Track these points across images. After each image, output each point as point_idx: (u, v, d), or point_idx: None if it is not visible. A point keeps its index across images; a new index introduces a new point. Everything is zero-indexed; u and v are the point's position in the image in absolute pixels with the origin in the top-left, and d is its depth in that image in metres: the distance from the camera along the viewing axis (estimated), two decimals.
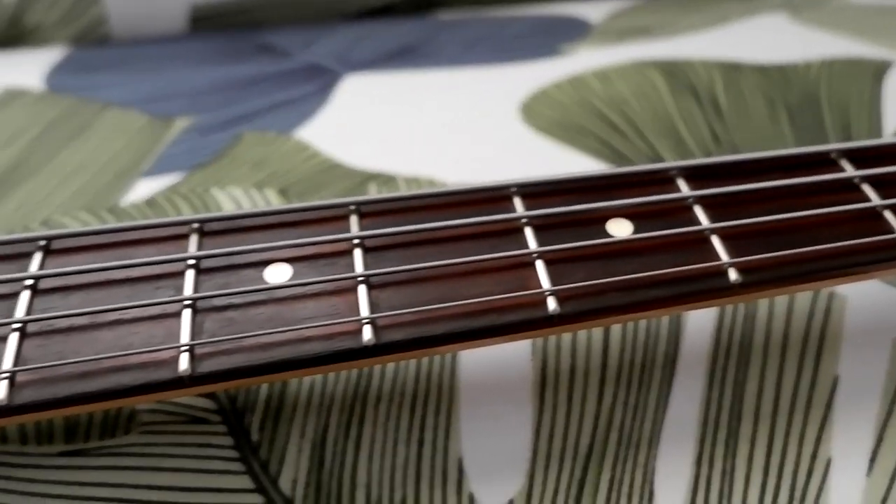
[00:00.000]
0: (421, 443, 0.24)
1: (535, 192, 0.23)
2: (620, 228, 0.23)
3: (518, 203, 0.23)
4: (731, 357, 0.26)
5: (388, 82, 0.40)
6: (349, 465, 0.24)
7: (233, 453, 0.24)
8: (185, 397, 0.24)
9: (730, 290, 0.21)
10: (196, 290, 0.21)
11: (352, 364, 0.20)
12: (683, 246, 0.22)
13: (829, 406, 0.25)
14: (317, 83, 0.40)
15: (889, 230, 0.23)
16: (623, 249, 0.22)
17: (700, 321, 0.27)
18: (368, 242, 0.22)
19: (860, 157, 0.25)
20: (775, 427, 0.25)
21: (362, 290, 0.21)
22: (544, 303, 0.21)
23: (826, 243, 0.22)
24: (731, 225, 0.22)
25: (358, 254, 0.21)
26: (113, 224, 0.22)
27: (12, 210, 0.32)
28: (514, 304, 0.20)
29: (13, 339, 0.20)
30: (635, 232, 0.22)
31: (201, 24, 0.48)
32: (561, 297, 0.21)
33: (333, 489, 0.23)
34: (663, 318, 0.27)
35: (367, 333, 0.20)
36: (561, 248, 0.21)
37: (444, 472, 0.24)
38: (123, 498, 0.23)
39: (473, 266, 0.21)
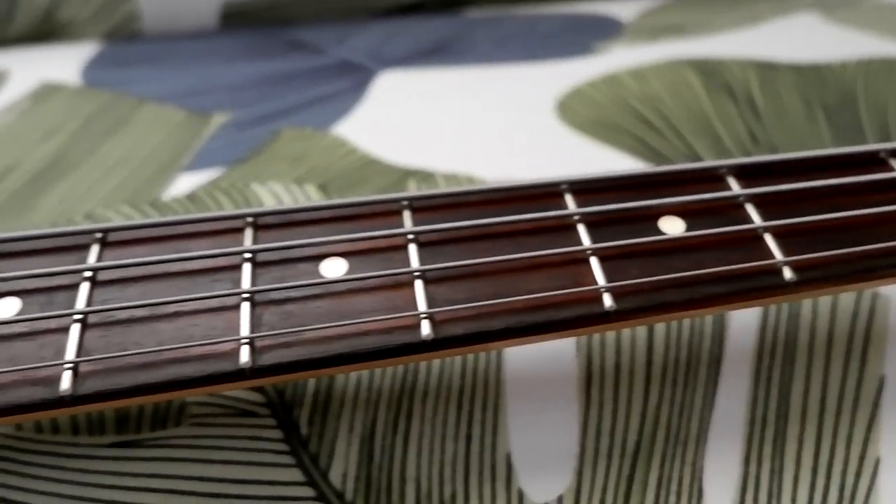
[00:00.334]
0: (469, 438, 0.24)
1: (586, 188, 0.23)
2: (673, 226, 0.23)
3: (569, 200, 0.23)
4: (776, 356, 0.26)
5: (423, 79, 0.40)
6: (398, 460, 0.24)
7: (283, 446, 0.24)
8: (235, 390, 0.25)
9: (784, 289, 0.21)
10: (253, 283, 0.21)
11: (410, 358, 0.20)
12: (736, 244, 0.22)
13: (876, 406, 0.25)
14: (351, 80, 0.40)
15: None
16: (677, 246, 0.22)
17: (744, 320, 0.27)
18: (423, 237, 0.22)
19: None
20: (822, 427, 0.25)
21: (419, 284, 0.21)
22: (600, 299, 0.21)
23: (877, 242, 0.22)
24: (784, 223, 0.22)
25: (413, 249, 0.22)
26: (168, 217, 0.22)
27: (55, 203, 0.32)
28: (571, 300, 0.21)
29: (75, 329, 0.20)
30: (688, 229, 0.22)
31: (231, 20, 0.48)
32: (617, 294, 0.21)
33: (383, 483, 0.23)
34: (707, 317, 0.27)
35: (426, 328, 0.20)
36: (615, 244, 0.21)
37: (492, 467, 0.24)
38: (175, 489, 0.23)
39: (528, 262, 0.21)
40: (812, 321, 0.27)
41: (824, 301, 0.28)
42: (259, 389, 0.25)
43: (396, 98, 0.38)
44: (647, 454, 0.24)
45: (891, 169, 0.25)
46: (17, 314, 0.20)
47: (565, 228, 0.22)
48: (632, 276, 0.21)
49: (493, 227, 0.22)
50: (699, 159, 0.34)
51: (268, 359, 0.19)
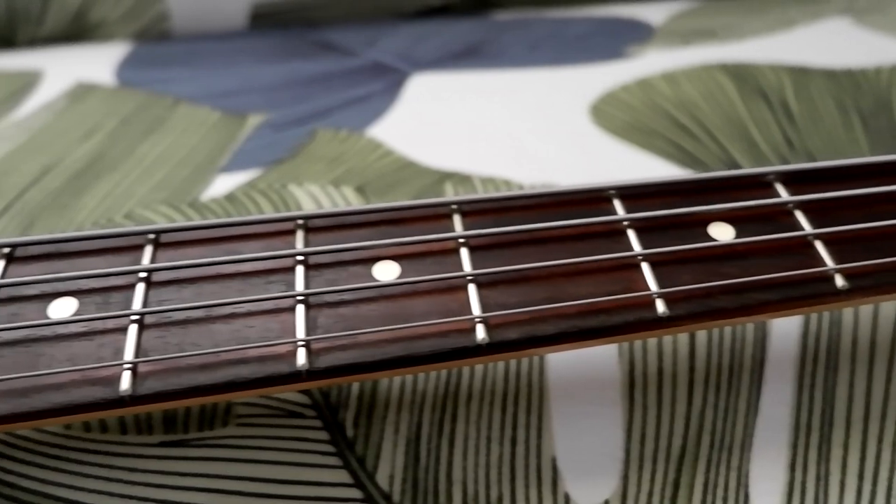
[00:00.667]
0: (514, 441, 0.24)
1: (634, 194, 0.23)
2: (722, 232, 0.23)
3: (618, 205, 0.23)
4: (818, 362, 0.26)
5: (455, 82, 0.40)
6: (444, 462, 0.24)
7: (329, 448, 0.24)
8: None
9: (836, 296, 0.21)
10: (307, 285, 0.21)
11: (464, 362, 0.20)
12: (787, 250, 0.22)
13: None
14: (384, 81, 0.40)
15: None
16: (727, 253, 0.22)
17: (786, 326, 0.27)
18: (474, 241, 0.22)
19: None
20: (868, 433, 0.25)
21: (472, 288, 0.21)
22: (653, 305, 0.21)
23: None
24: (834, 231, 0.22)
25: (465, 252, 0.22)
26: (220, 219, 0.22)
27: (96, 203, 0.33)
28: (624, 304, 0.21)
29: (133, 329, 0.20)
30: (737, 236, 0.23)
31: (260, 21, 0.48)
32: (669, 300, 0.21)
33: (430, 485, 0.23)
34: (749, 323, 0.27)
35: (481, 332, 0.20)
36: (667, 250, 0.22)
37: (538, 470, 0.24)
38: (223, 489, 0.23)
39: (580, 267, 0.21)
40: (854, 327, 0.27)
41: (866, 307, 0.28)
42: (305, 391, 0.25)
43: (430, 100, 0.39)
44: (693, 459, 0.24)
45: None
46: (75, 314, 0.21)
47: (615, 234, 0.22)
48: (683, 282, 0.21)
49: (543, 232, 0.22)
50: (736, 165, 0.34)
51: (324, 361, 0.20)
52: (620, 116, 0.36)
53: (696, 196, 0.24)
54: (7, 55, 0.44)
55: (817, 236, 0.22)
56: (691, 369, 0.26)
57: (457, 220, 0.23)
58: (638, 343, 0.26)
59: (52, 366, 0.19)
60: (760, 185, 0.24)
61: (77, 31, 0.48)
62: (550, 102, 0.38)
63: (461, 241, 0.22)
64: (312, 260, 0.22)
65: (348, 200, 0.32)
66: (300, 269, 0.21)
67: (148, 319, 0.20)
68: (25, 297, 0.21)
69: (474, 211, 0.23)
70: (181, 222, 0.22)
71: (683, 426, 0.25)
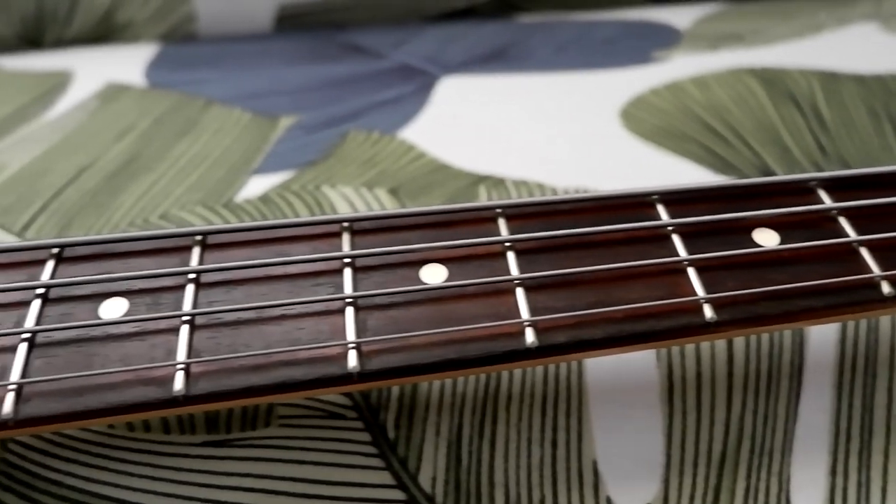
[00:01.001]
0: (554, 444, 0.24)
1: (677, 199, 0.23)
2: (767, 238, 0.23)
3: (661, 210, 0.23)
4: (857, 369, 0.26)
5: (484, 85, 0.40)
6: (486, 464, 0.24)
7: (371, 449, 0.24)
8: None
9: (883, 303, 0.21)
10: (355, 287, 0.21)
11: (513, 365, 0.20)
12: (832, 257, 0.22)
13: None
14: (414, 84, 0.40)
15: None
16: (773, 259, 0.22)
17: (823, 332, 0.27)
18: (519, 245, 0.22)
19: None
20: None
21: (520, 292, 0.21)
22: (700, 310, 0.21)
23: None
24: (880, 237, 0.22)
25: (511, 256, 0.22)
26: (267, 220, 0.22)
27: (132, 203, 0.33)
28: (671, 310, 0.21)
29: (184, 330, 0.20)
30: (782, 242, 0.23)
31: (285, 23, 0.49)
32: (716, 305, 0.21)
33: (472, 487, 0.24)
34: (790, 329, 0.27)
35: (530, 336, 0.20)
36: (713, 255, 0.22)
37: (579, 474, 0.24)
38: (268, 489, 0.23)
39: (626, 271, 0.21)
40: (892, 333, 0.27)
41: None
42: (346, 392, 0.25)
43: (460, 103, 0.39)
44: (733, 464, 0.24)
45: None
46: (126, 314, 0.21)
47: (659, 239, 0.22)
48: (729, 288, 0.21)
49: (589, 237, 0.22)
50: (769, 170, 0.34)
51: (375, 363, 0.20)
52: (651, 120, 0.36)
53: (739, 202, 0.24)
54: (36, 56, 0.45)
55: (862, 243, 0.22)
56: (730, 374, 0.26)
57: (502, 223, 0.23)
58: (676, 347, 0.26)
59: (106, 365, 0.19)
60: (803, 191, 0.24)
61: (104, 32, 0.48)
62: (580, 106, 0.38)
63: (507, 244, 0.22)
64: (360, 262, 0.22)
65: (382, 202, 0.32)
66: (348, 272, 0.21)
67: (199, 320, 0.20)
68: (76, 297, 0.21)
69: (519, 215, 0.23)
70: (228, 224, 0.22)
71: (723, 431, 0.25)
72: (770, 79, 0.38)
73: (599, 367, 0.26)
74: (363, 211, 0.32)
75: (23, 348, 0.20)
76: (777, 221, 0.23)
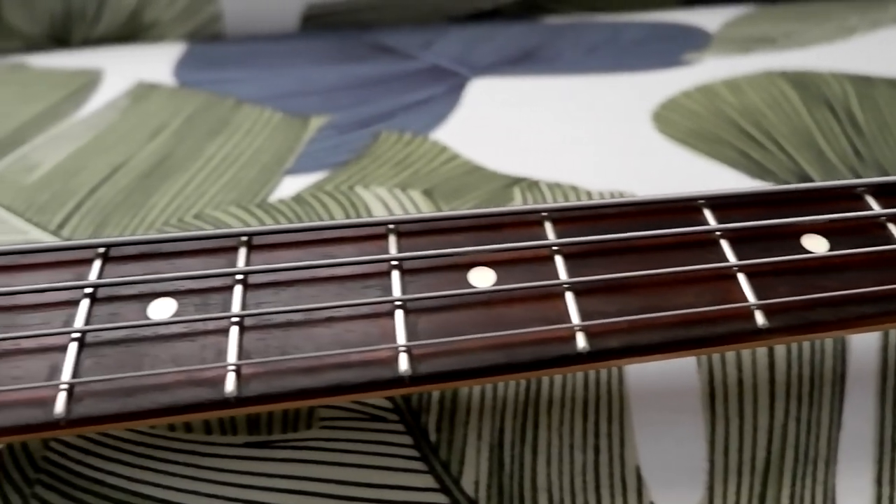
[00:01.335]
0: (597, 449, 0.24)
1: (725, 203, 0.23)
2: (816, 244, 0.22)
3: (708, 215, 0.23)
4: None
5: (515, 87, 0.40)
6: (528, 469, 0.24)
7: (413, 452, 0.24)
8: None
9: None
10: (404, 290, 0.21)
11: (564, 370, 0.20)
12: (883, 263, 0.22)
13: None
14: (444, 85, 0.40)
15: None
16: (823, 265, 0.22)
17: (865, 339, 0.27)
18: (567, 249, 0.22)
19: None
20: None
21: (570, 296, 0.21)
22: (752, 316, 0.21)
23: None
24: None
25: (559, 260, 0.22)
26: (313, 222, 0.22)
27: (166, 202, 0.33)
28: (723, 315, 0.20)
29: (234, 331, 0.20)
30: (831, 248, 0.22)
31: (311, 22, 0.49)
32: (768, 311, 0.21)
33: (516, 492, 0.23)
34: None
35: (582, 340, 0.20)
36: (764, 261, 0.21)
37: (622, 479, 0.24)
38: (310, 491, 0.23)
39: (675, 276, 0.21)
40: None
41: None
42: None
43: (492, 105, 0.38)
44: (778, 472, 0.24)
45: None
46: (174, 315, 0.21)
47: (708, 244, 0.22)
48: (780, 294, 0.21)
49: (637, 241, 0.22)
50: (806, 175, 0.34)
51: (426, 367, 0.20)
52: (684, 123, 0.36)
53: (786, 207, 0.23)
54: (65, 54, 0.45)
55: None
56: (771, 381, 0.26)
57: (548, 227, 0.23)
58: (716, 353, 0.26)
59: (156, 366, 0.19)
60: (851, 197, 0.24)
61: (130, 32, 0.48)
62: (612, 108, 0.38)
63: (555, 248, 0.22)
64: (407, 265, 0.22)
65: (417, 204, 0.32)
66: (396, 274, 0.21)
67: (248, 321, 0.20)
68: (124, 297, 0.21)
69: (565, 218, 0.23)
70: (273, 225, 0.22)
71: (767, 439, 0.25)
72: (803, 82, 0.38)
73: (640, 372, 0.26)
74: (398, 212, 0.32)
75: (73, 348, 0.20)
76: (826, 227, 0.23)
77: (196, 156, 0.35)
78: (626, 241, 0.22)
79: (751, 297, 0.21)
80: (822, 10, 0.47)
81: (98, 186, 0.34)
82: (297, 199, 0.33)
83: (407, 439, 0.24)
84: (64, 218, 0.32)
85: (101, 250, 0.22)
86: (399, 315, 0.20)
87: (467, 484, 0.23)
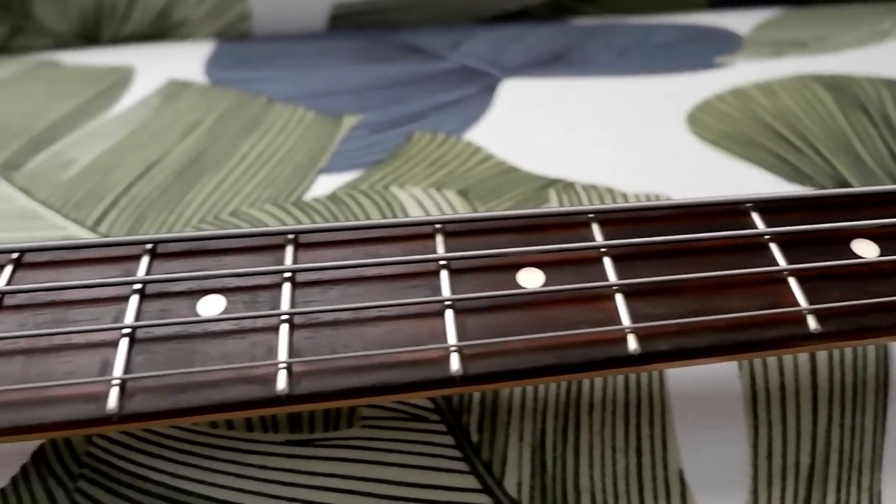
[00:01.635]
0: (639, 452, 0.24)
1: (773, 207, 0.23)
2: (866, 249, 0.22)
3: (756, 218, 0.23)
4: None
5: (547, 88, 0.40)
6: (571, 471, 0.24)
7: (456, 452, 0.24)
8: None
9: None
10: (453, 290, 0.21)
11: (614, 371, 0.20)
12: None
13: None
14: (476, 86, 0.40)
15: None
16: (874, 270, 0.22)
17: None
18: (615, 251, 0.22)
19: None
20: None
21: (620, 298, 0.21)
22: (804, 320, 0.20)
23: None
24: None
25: (608, 262, 0.22)
26: (359, 221, 0.22)
27: (202, 199, 0.33)
28: (774, 320, 0.20)
29: (284, 329, 0.20)
30: (881, 254, 0.22)
31: (339, 22, 0.49)
32: (820, 316, 0.21)
33: (559, 494, 0.23)
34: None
35: (633, 343, 0.20)
36: (815, 266, 0.21)
37: (666, 483, 0.24)
38: (353, 489, 0.23)
39: (725, 279, 0.21)
40: None
41: None
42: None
43: (524, 106, 0.38)
44: (822, 477, 0.24)
45: None
46: (223, 312, 0.21)
47: (757, 247, 0.22)
48: (833, 299, 0.21)
49: (685, 244, 0.22)
50: (843, 180, 0.33)
51: (477, 367, 0.20)
52: (719, 126, 0.36)
53: (834, 211, 0.23)
54: (95, 52, 0.45)
55: None
56: (814, 386, 0.26)
57: (595, 228, 0.23)
58: (764, 358, 0.26)
59: (207, 363, 0.20)
60: None
61: (159, 30, 0.48)
62: (645, 110, 0.38)
63: (603, 250, 0.22)
64: (455, 265, 0.22)
65: (452, 204, 0.32)
66: (444, 274, 0.21)
67: (297, 319, 0.20)
68: (174, 294, 0.21)
69: (612, 220, 0.23)
70: (321, 223, 0.22)
71: (810, 444, 0.24)
72: (838, 86, 0.38)
73: (681, 375, 0.26)
74: (434, 212, 0.32)
75: (124, 344, 0.20)
76: (876, 232, 0.23)
77: (230, 154, 0.36)
78: (675, 243, 0.22)
79: (802, 301, 0.21)
80: (851, 13, 0.46)
81: (134, 183, 0.34)
82: (333, 197, 0.33)
83: (449, 439, 0.24)
84: (101, 214, 0.32)
85: (149, 247, 0.22)
86: (449, 315, 0.20)
87: (510, 485, 0.23)
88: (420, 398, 0.21)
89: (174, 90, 0.40)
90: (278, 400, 0.19)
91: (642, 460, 0.24)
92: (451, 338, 0.20)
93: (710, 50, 0.43)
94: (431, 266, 0.22)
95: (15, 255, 0.22)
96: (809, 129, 0.36)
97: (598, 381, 0.26)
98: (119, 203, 0.33)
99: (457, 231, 0.23)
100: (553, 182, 0.33)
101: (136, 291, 0.21)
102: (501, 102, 0.39)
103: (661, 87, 0.40)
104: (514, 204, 0.32)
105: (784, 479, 0.24)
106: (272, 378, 0.19)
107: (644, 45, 0.44)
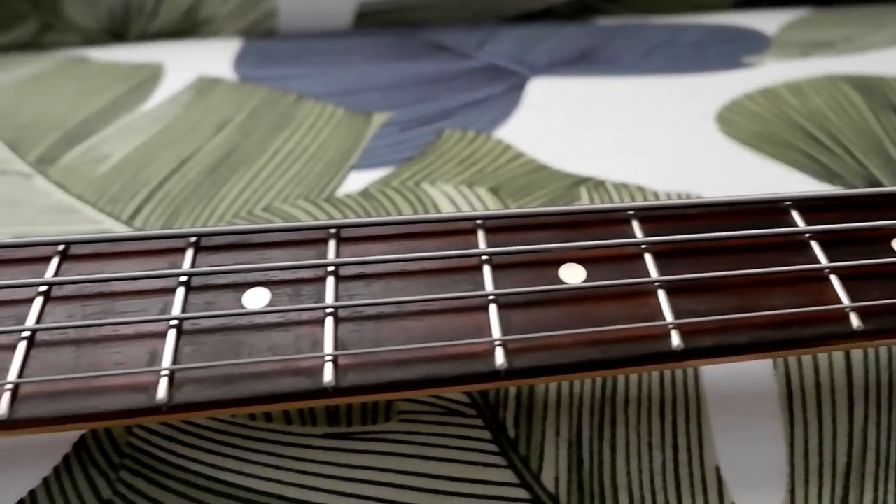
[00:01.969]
0: (675, 448, 0.24)
1: (812, 206, 0.23)
2: None
3: (796, 216, 0.23)
4: None
5: (575, 87, 0.40)
6: (608, 467, 0.24)
7: (493, 447, 0.24)
8: None
9: None
10: (495, 285, 0.21)
11: (657, 367, 0.20)
12: None
13: None
14: (504, 84, 0.40)
15: None
16: None
17: None
18: (655, 248, 0.22)
19: None
20: None
21: (662, 294, 0.21)
22: (847, 318, 0.21)
23: None
24: None
25: (649, 258, 0.22)
26: (402, 216, 0.23)
27: (235, 194, 0.33)
28: (816, 317, 0.20)
29: (329, 322, 0.20)
30: None
31: (364, 20, 0.49)
32: (863, 314, 0.21)
33: (596, 489, 0.23)
34: None
35: (676, 339, 0.20)
36: (856, 264, 0.21)
37: (703, 479, 0.24)
38: (392, 483, 0.23)
39: (767, 277, 0.21)
40: None
41: None
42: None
43: (553, 104, 0.38)
44: (859, 476, 0.24)
45: None
46: (268, 304, 0.21)
47: (798, 245, 0.22)
48: (875, 297, 0.21)
49: (726, 241, 0.22)
50: (875, 179, 0.33)
51: (521, 361, 0.20)
52: (749, 126, 0.36)
53: (873, 211, 0.23)
54: (124, 48, 0.45)
55: None
56: (849, 385, 0.26)
57: (635, 225, 0.23)
58: (806, 355, 0.26)
59: (254, 355, 0.20)
60: None
61: (186, 27, 0.49)
62: (674, 110, 0.38)
63: (644, 246, 0.22)
64: (497, 260, 0.22)
65: (484, 201, 0.32)
66: (487, 269, 0.22)
67: (342, 313, 0.21)
68: (219, 286, 0.21)
69: (652, 217, 0.23)
70: (363, 218, 0.23)
71: (847, 443, 0.24)
72: (867, 87, 0.38)
73: (716, 372, 0.26)
74: (466, 209, 0.32)
75: (171, 335, 0.20)
76: None
77: (262, 150, 0.36)
78: (716, 240, 0.22)
79: (844, 299, 0.21)
80: (878, 13, 0.46)
81: (167, 178, 0.34)
82: (365, 194, 0.33)
83: (486, 434, 0.24)
84: (136, 208, 0.33)
85: (193, 240, 0.23)
86: (493, 310, 0.21)
87: (547, 479, 0.24)
88: (460, 392, 0.21)
89: (204, 87, 0.40)
90: (325, 392, 0.19)
91: (679, 457, 0.24)
92: (496, 332, 0.20)
93: (737, 50, 0.43)
94: (474, 261, 0.22)
95: (61, 248, 0.23)
96: (840, 129, 0.36)
97: (634, 377, 0.26)
98: (153, 198, 0.33)
99: (498, 227, 0.23)
100: (584, 180, 0.33)
101: (181, 284, 0.21)
102: (530, 101, 0.39)
103: (689, 86, 0.40)
104: (546, 201, 0.32)
105: (821, 476, 0.24)
106: (319, 370, 0.19)
107: (671, 44, 0.44)
